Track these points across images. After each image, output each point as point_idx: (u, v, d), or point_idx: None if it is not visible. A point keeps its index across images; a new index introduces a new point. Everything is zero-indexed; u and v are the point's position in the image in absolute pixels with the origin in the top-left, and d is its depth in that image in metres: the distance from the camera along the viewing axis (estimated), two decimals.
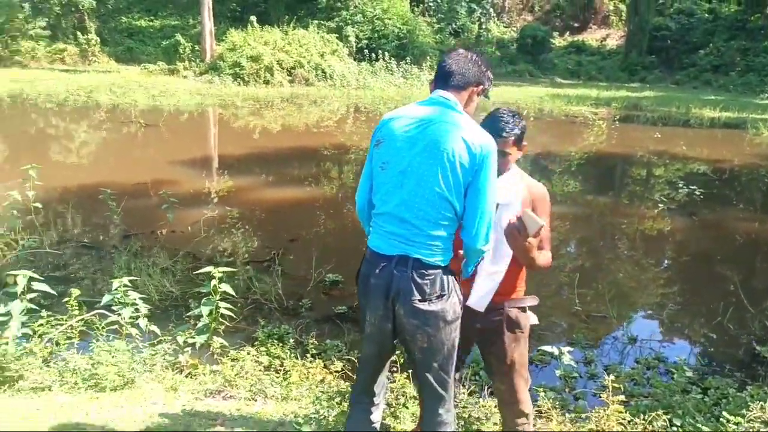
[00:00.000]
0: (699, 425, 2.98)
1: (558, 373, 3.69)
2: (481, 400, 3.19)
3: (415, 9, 29.18)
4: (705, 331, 4.85)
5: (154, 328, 3.41)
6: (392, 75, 23.96)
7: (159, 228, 6.19)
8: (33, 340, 3.15)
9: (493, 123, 2.28)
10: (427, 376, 2.13)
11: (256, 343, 3.86)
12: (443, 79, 2.12)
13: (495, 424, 2.91)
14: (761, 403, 2.89)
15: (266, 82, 21.48)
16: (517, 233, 2.08)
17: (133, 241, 5.83)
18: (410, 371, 3.09)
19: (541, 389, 3.50)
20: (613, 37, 37.64)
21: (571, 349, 4.04)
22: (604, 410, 2.92)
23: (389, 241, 2.07)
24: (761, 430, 2.72)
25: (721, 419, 2.90)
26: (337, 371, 3.36)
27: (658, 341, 4.46)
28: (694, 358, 4.24)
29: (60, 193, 7.57)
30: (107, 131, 12.55)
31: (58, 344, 3.24)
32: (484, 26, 34.93)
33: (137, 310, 3.42)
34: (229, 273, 4.44)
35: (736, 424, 2.79)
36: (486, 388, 3.47)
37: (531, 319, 2.48)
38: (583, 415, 3.05)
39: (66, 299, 3.37)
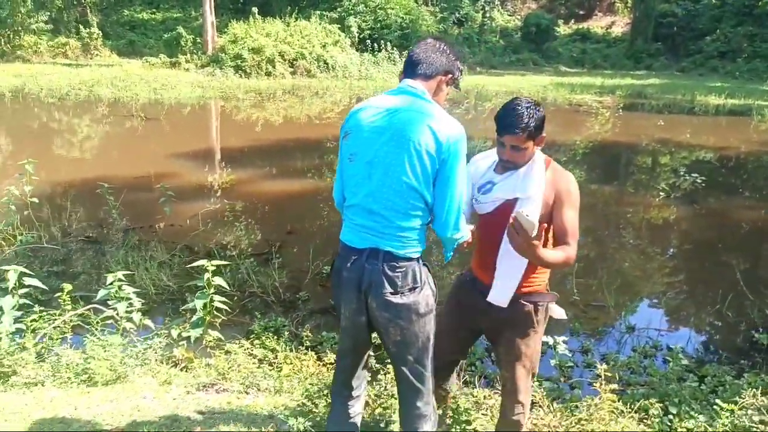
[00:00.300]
0: (694, 413, 2.97)
1: (552, 362, 3.68)
2: (475, 390, 3.18)
3: None
4: (704, 319, 4.83)
5: (148, 322, 3.41)
6: (395, 65, 23.81)
7: (157, 222, 6.19)
8: (26, 335, 3.16)
9: (505, 116, 2.20)
10: (403, 370, 2.12)
11: (252, 336, 3.88)
12: (411, 68, 2.09)
13: (484, 414, 2.90)
14: (754, 390, 2.87)
15: (268, 74, 21.43)
16: (515, 234, 2.01)
17: (131, 235, 5.85)
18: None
19: (537, 380, 3.50)
20: (619, 25, 37.31)
21: (567, 338, 4.02)
22: (592, 400, 2.91)
23: (360, 234, 2.05)
24: (753, 416, 2.70)
25: (714, 407, 2.89)
26: (330, 363, 3.36)
27: (656, 329, 4.44)
28: (692, 346, 4.23)
29: (60, 187, 7.59)
30: (108, 125, 12.56)
31: (51, 339, 3.25)
32: (488, 15, 34.66)
33: (131, 304, 3.42)
34: (224, 266, 4.48)
35: (730, 411, 2.78)
36: (479, 378, 3.47)
37: (557, 313, 2.43)
38: (575, 405, 3.03)
39: (57, 294, 3.37)
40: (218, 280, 3.42)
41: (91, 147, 10.98)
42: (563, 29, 36.18)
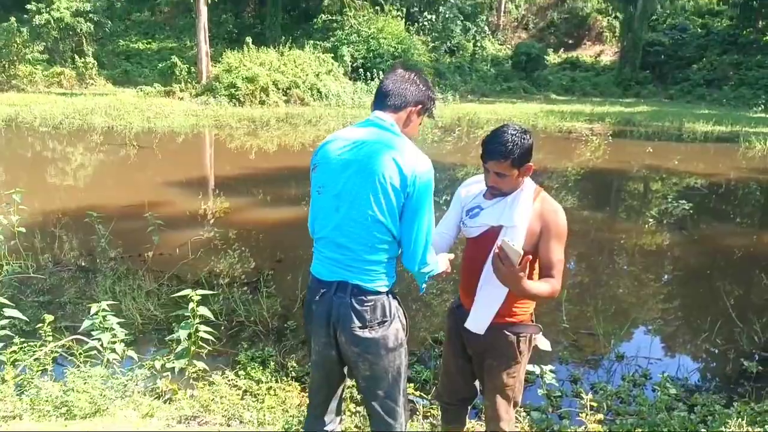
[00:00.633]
0: None
1: (540, 392, 3.65)
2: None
3: (410, 28, 29.49)
4: (694, 346, 4.82)
5: (131, 353, 3.37)
6: None
7: (146, 250, 6.16)
8: (5, 367, 3.11)
9: (490, 142, 2.20)
10: (374, 405, 2.09)
11: (237, 366, 3.83)
12: (381, 99, 2.09)
13: None
14: (739, 420, 2.85)
15: (262, 103, 21.61)
16: (500, 263, 2.01)
17: (119, 264, 5.81)
18: None
19: (525, 409, 3.47)
20: (607, 53, 38.03)
21: (556, 367, 3.99)
22: (578, 429, 2.88)
23: (328, 267, 2.04)
24: None
25: None
26: None
27: (646, 358, 4.42)
28: (682, 375, 4.20)
29: (50, 216, 7.56)
30: (100, 154, 12.58)
31: (31, 371, 3.20)
32: (479, 44, 35.25)
33: (115, 335, 3.39)
34: (211, 295, 4.45)
35: None
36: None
37: (543, 344, 2.42)
38: None
39: (39, 325, 3.34)
40: (203, 310, 3.39)
41: (84, 175, 10.97)
42: (553, 58, 36.82)
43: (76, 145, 13.56)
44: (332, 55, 25.15)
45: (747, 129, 18.90)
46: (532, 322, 2.39)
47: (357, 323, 1.98)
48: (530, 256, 2.06)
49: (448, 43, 34.06)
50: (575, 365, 4.28)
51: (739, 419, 2.91)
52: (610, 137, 16.77)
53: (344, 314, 1.99)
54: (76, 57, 25.35)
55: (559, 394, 3.75)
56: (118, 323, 3.57)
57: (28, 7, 25.30)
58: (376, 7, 28.61)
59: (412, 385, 3.50)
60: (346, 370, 2.18)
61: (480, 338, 2.31)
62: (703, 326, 4.91)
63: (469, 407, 2.69)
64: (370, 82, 24.50)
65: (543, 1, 41.60)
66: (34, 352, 3.28)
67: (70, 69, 25.14)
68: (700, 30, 34.92)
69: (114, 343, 3.34)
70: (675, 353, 4.72)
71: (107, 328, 3.42)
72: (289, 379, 3.50)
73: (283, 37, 26.53)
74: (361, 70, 25.11)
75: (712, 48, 33.51)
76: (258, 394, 3.34)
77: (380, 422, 2.10)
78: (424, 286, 2.22)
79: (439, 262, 2.16)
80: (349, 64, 25.30)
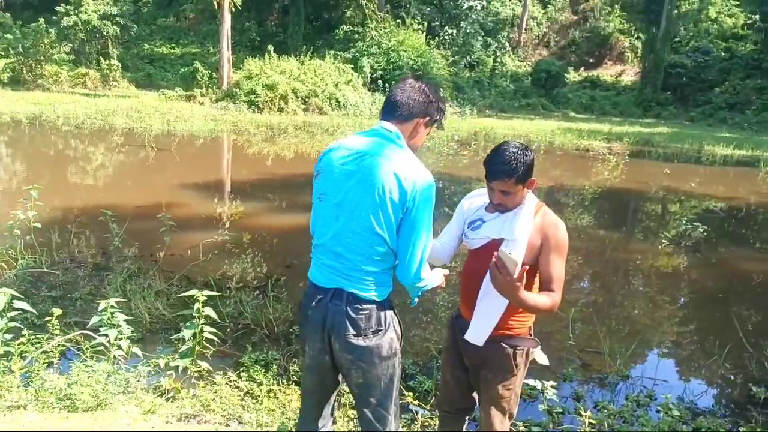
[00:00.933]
0: None
1: (541, 408, 3.63)
2: None
3: (431, 42, 29.64)
4: (701, 369, 4.75)
5: (136, 350, 3.41)
6: None
7: (158, 251, 6.24)
8: (13, 359, 3.17)
9: (493, 161, 2.21)
10: (366, 412, 2.09)
11: (241, 368, 3.86)
12: (389, 110, 2.09)
13: None
14: None
15: (280, 110, 21.82)
16: (497, 272, 2.03)
17: (131, 263, 5.89)
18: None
19: (524, 424, 3.45)
20: (628, 73, 37.85)
21: (560, 384, 3.97)
22: None
23: (326, 274, 2.06)
24: None
25: None
26: None
27: (652, 378, 4.36)
28: (688, 397, 4.15)
29: (67, 213, 7.69)
30: (120, 154, 12.78)
31: (38, 363, 3.25)
32: (499, 60, 35.32)
33: (121, 332, 3.44)
34: (218, 297, 4.49)
35: None
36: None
37: (541, 358, 2.43)
38: None
39: (47, 318, 3.39)
40: (207, 311, 3.43)
41: (102, 175, 11.15)
42: (573, 76, 36.72)
43: (97, 144, 13.79)
44: (352, 65, 25.36)
45: None
46: (530, 336, 2.39)
47: (351, 331, 1.99)
48: (527, 267, 2.08)
49: (468, 58, 34.21)
50: (579, 383, 4.24)
51: None
52: (627, 157, 16.66)
53: (339, 321, 2.00)
54: (101, 59, 25.83)
55: (561, 410, 3.72)
56: (126, 321, 3.63)
57: (57, 9, 25.90)
58: (398, 20, 28.84)
59: (411, 394, 3.50)
60: (340, 376, 2.19)
61: (477, 350, 2.32)
62: (712, 350, 4.85)
63: (468, 418, 2.69)
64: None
65: (565, 19, 41.60)
66: (41, 344, 3.34)
67: (95, 70, 25.62)
68: (723, 53, 34.64)
69: (119, 339, 3.38)
70: (682, 375, 4.66)
71: (114, 325, 3.47)
72: (290, 383, 3.52)
73: (305, 47, 26.82)
74: (380, 81, 25.28)
75: (736, 72, 33.22)
76: (258, 396, 3.37)
77: (371, 430, 2.10)
78: (416, 300, 2.22)
79: (434, 277, 2.16)
80: (369, 75, 25.48)
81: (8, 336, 3.23)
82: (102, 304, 3.45)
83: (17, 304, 3.17)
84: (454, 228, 2.46)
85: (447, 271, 2.34)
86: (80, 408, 2.91)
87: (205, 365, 3.59)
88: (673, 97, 33.16)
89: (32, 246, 5.83)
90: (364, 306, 2.00)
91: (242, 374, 3.64)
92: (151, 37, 32.65)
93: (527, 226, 2.24)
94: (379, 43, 26.90)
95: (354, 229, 1.97)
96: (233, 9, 24.08)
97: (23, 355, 3.26)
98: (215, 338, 3.57)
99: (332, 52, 26.70)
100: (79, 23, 25.34)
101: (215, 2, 23.21)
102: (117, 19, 26.54)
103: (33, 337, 3.36)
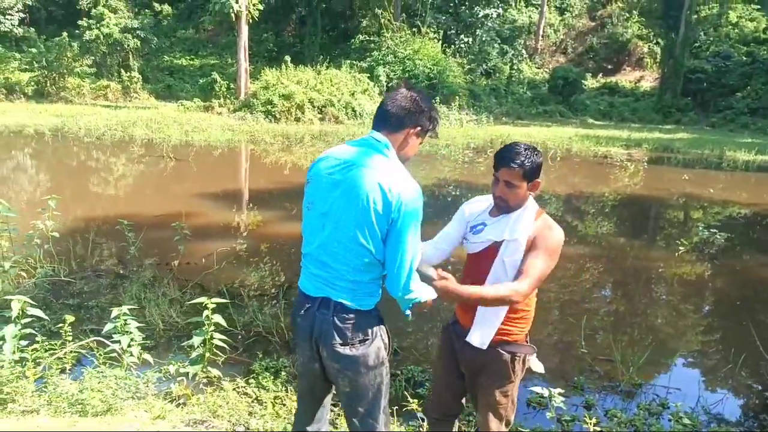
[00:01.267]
0: None
1: (548, 415, 3.60)
2: None
3: (447, 50, 29.70)
4: (715, 378, 4.68)
5: (147, 356, 3.47)
6: None
7: (173, 259, 6.33)
8: (27, 364, 3.25)
9: (504, 152, 2.27)
10: (354, 422, 2.10)
11: (251, 375, 3.90)
12: (379, 119, 2.08)
13: None
14: None
15: (297, 120, 22.02)
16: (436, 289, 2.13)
17: (147, 271, 5.98)
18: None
19: None
20: (647, 79, 37.46)
21: (570, 392, 3.94)
22: None
23: (313, 283, 2.07)
24: None
25: None
26: None
27: (665, 387, 4.31)
28: (701, 406, 4.08)
29: (85, 222, 7.84)
30: (139, 165, 13.00)
31: (52, 369, 3.33)
32: (515, 67, 35.24)
33: (133, 339, 3.50)
34: (228, 304, 4.54)
35: None
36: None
37: (536, 366, 2.44)
38: None
39: (60, 325, 3.47)
40: (217, 318, 3.48)
41: (122, 185, 11.35)
42: (591, 82, 36.45)
43: (117, 155, 14.04)
44: (368, 74, 25.52)
45: None
46: (527, 342, 2.40)
47: (338, 340, 2.00)
48: (441, 270, 2.14)
49: (485, 66, 34.18)
50: (591, 391, 4.20)
51: None
52: (646, 163, 16.49)
53: (326, 330, 2.01)
54: (122, 71, 26.38)
55: (571, 418, 3.69)
56: (140, 328, 3.70)
57: (80, 23, 26.53)
58: (413, 29, 28.96)
59: (416, 401, 3.51)
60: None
61: (475, 356, 2.33)
62: (726, 358, 4.77)
63: (456, 421, 2.68)
64: None
65: (582, 26, 41.38)
66: (55, 351, 3.41)
67: (116, 82, 26.16)
68: (744, 58, 34.14)
69: (131, 346, 3.44)
70: (695, 383, 4.58)
71: (127, 332, 3.54)
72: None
73: (321, 56, 27.07)
74: None
75: (757, 76, 32.70)
76: (265, 402, 3.40)
77: None
78: (409, 312, 2.19)
79: (425, 290, 2.13)
80: (385, 84, 25.60)
81: (24, 342, 3.31)
82: (115, 312, 3.51)
83: (31, 311, 3.25)
84: (451, 232, 2.48)
85: (445, 281, 2.31)
86: (90, 413, 2.97)
87: (215, 372, 3.64)
88: (694, 103, 32.75)
89: (51, 255, 5.96)
90: (351, 315, 2.01)
91: (251, 381, 3.67)
92: (170, 49, 33.21)
93: (528, 228, 2.27)
94: (395, 52, 27.03)
95: (339, 239, 1.98)
96: (251, 21, 24.42)
97: (37, 361, 3.33)
98: (226, 345, 3.61)
99: (348, 61, 26.90)
100: (101, 37, 25.93)
101: (233, 14, 23.56)
102: (138, 32, 27.10)
103: (47, 343, 3.44)
